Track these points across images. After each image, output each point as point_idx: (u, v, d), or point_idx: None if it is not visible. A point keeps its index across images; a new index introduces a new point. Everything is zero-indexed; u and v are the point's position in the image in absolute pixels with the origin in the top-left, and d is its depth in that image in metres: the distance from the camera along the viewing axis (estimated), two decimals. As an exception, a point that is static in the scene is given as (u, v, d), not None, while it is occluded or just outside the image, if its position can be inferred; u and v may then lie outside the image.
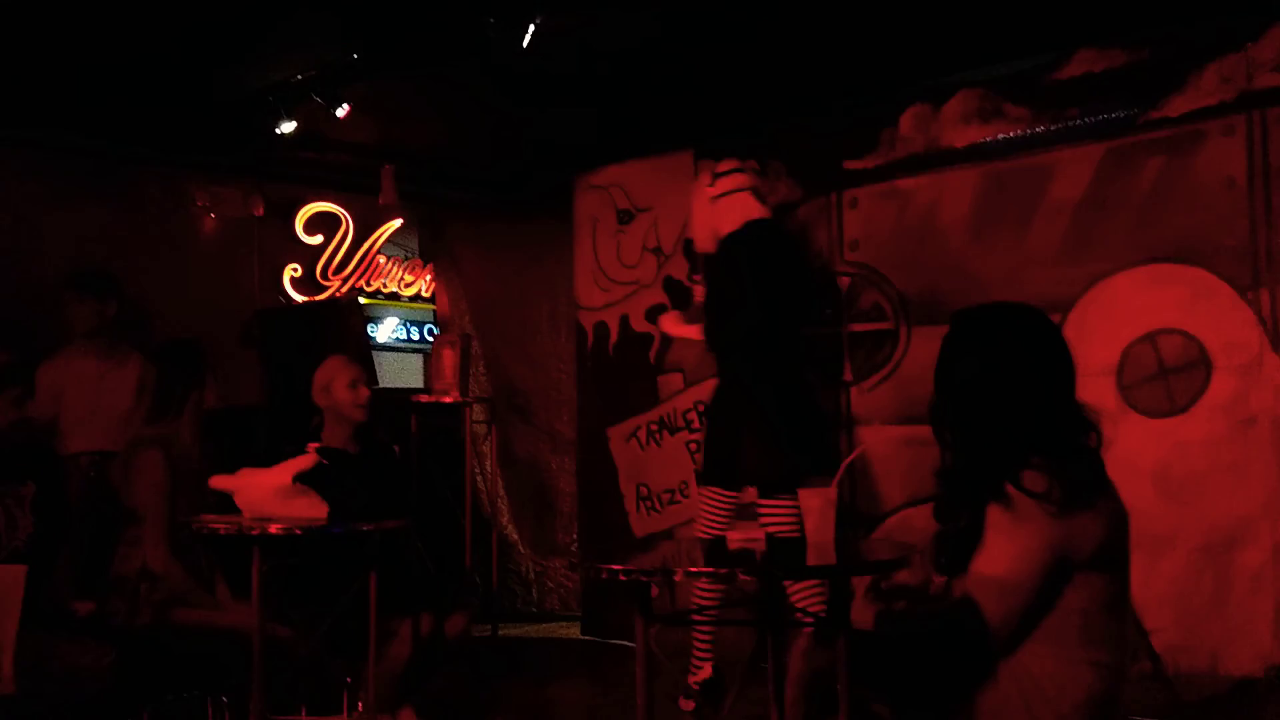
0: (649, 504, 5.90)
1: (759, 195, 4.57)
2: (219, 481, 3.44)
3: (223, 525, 3.25)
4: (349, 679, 3.77)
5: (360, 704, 3.79)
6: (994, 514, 2.32)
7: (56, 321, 5.33)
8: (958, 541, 2.39)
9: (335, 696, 3.86)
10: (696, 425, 5.74)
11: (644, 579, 2.02)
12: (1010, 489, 2.29)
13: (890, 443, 5.01)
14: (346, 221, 6.75)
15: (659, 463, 5.88)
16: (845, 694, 2.10)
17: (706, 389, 5.66)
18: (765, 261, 4.38)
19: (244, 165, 6.27)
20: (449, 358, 5.65)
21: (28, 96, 5.24)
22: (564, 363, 6.62)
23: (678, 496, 5.80)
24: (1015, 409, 2.41)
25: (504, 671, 5.30)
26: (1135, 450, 4.13)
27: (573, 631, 6.16)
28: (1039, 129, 4.63)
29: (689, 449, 5.76)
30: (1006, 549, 2.28)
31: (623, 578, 2.00)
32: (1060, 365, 2.48)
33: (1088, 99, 4.48)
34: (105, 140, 5.77)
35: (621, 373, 6.08)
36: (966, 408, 2.48)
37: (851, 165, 5.17)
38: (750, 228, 4.47)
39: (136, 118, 5.57)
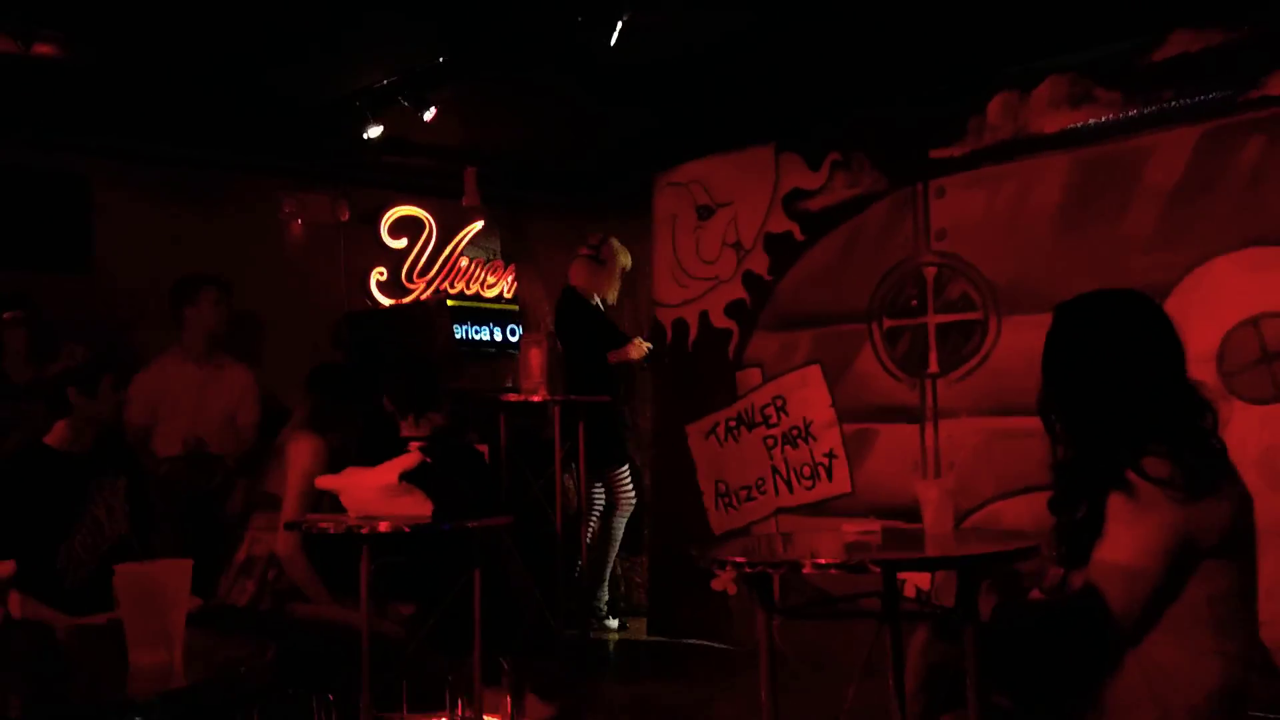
0: (726, 501, 5.88)
1: (581, 265, 6.20)
2: (325, 481, 3.50)
3: (331, 525, 3.30)
4: (451, 676, 3.82)
5: (460, 701, 3.83)
6: (1115, 502, 2.29)
7: (149, 329, 5.46)
8: (1077, 532, 2.36)
9: (437, 693, 3.91)
10: (775, 420, 5.72)
11: (770, 571, 2.02)
12: (1132, 476, 2.26)
13: (979, 435, 4.95)
14: (430, 224, 6.82)
15: (737, 459, 5.86)
16: (974, 687, 2.08)
17: (786, 384, 5.68)
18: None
19: (329, 171, 6.37)
20: (536, 357, 5.67)
21: (123, 106, 5.37)
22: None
23: (754, 493, 5.78)
24: (1130, 395, 2.38)
25: (594, 669, 5.32)
26: (1239, 438, 3.95)
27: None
28: (1132, 113, 4.55)
29: (766, 444, 5.74)
30: (1131, 537, 2.25)
31: (748, 570, 2.00)
32: (1170, 347, 2.45)
33: (1183, 80, 4.39)
34: (196, 148, 5.90)
35: (700, 369, 6.06)
36: (1078, 397, 2.45)
37: (938, 154, 5.11)
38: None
39: (225, 124, 5.69)
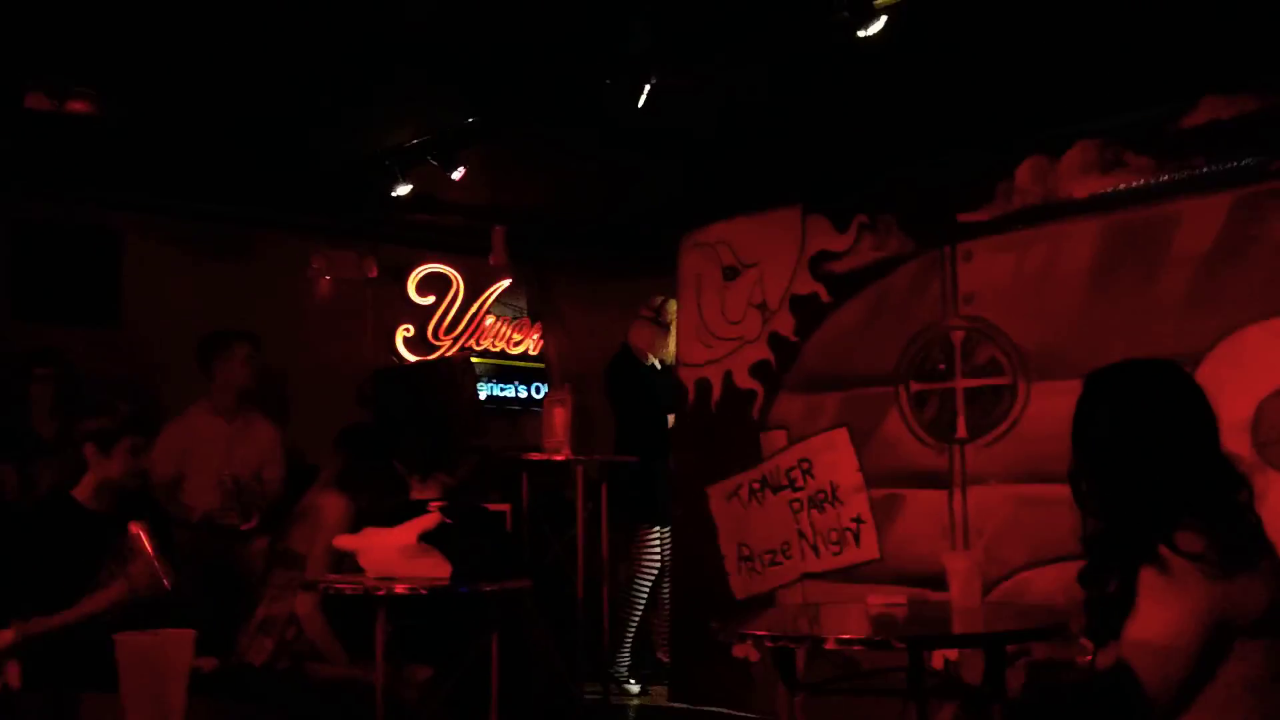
0: (750, 565, 5.80)
1: (641, 327, 6.40)
2: (343, 541, 3.48)
3: (348, 585, 3.27)
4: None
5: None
6: (1147, 577, 2.23)
7: (177, 382, 5.48)
8: (1108, 607, 2.30)
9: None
10: (800, 484, 5.66)
11: (793, 646, 1.97)
12: (1164, 551, 2.20)
13: (1008, 502, 4.87)
14: (457, 282, 6.85)
15: (761, 522, 5.77)
16: (1001, 766, 2.02)
17: (812, 447, 5.62)
18: None
19: (358, 228, 6.41)
20: (559, 415, 5.65)
21: (154, 163, 5.43)
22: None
23: (779, 558, 5.68)
24: (1162, 467, 2.33)
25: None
26: (1276, 512, 3.93)
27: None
28: (1163, 178, 4.52)
29: (792, 508, 5.67)
30: (1163, 614, 2.18)
31: (769, 644, 1.95)
32: (1203, 419, 2.40)
33: (1215, 147, 4.36)
34: (228, 205, 5.96)
35: (723, 429, 6.01)
36: (1109, 469, 2.40)
37: (966, 218, 5.09)
38: None
39: (257, 182, 5.74)
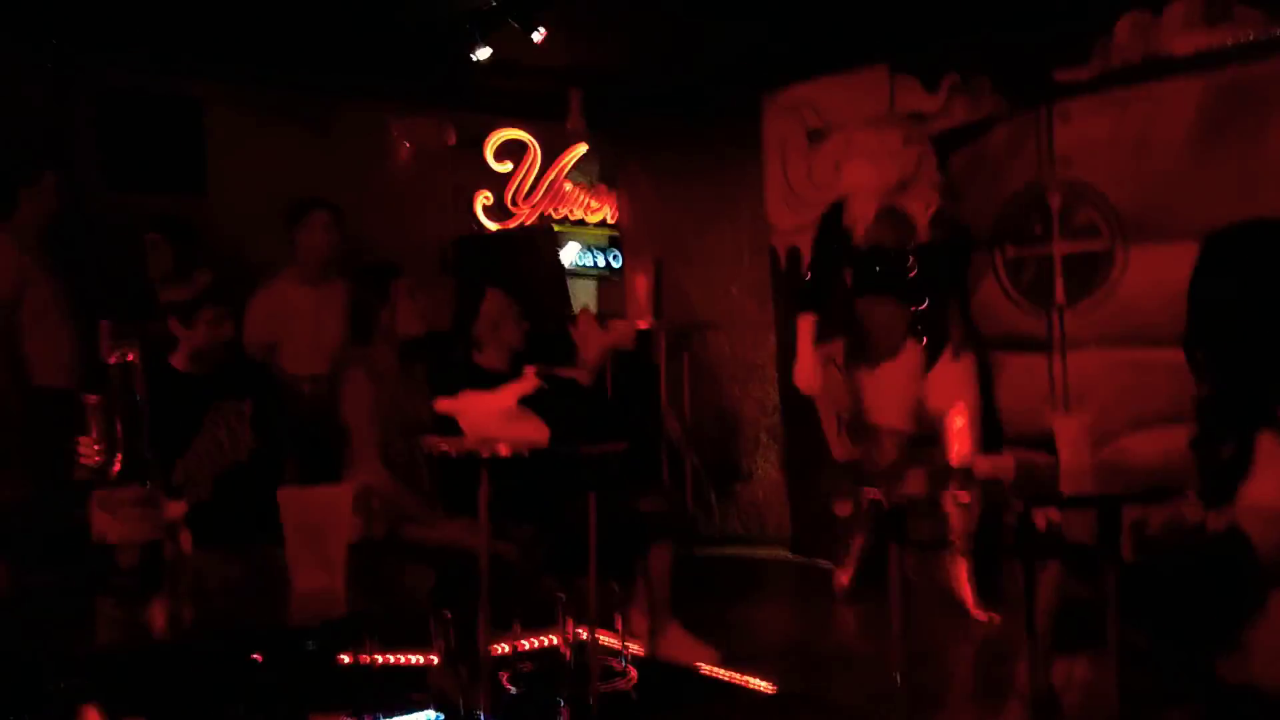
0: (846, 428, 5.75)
1: None
2: (444, 404, 3.52)
3: (452, 447, 3.33)
4: (562, 595, 3.87)
5: (570, 620, 3.89)
6: (1265, 441, 2.21)
7: (263, 251, 5.54)
8: (1223, 471, 2.28)
9: (550, 612, 3.97)
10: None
11: (905, 506, 1.99)
12: (1284, 415, 2.18)
13: (1106, 367, 4.82)
14: (534, 148, 6.80)
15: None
16: (1115, 627, 2.04)
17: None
18: None
19: (435, 95, 6.36)
20: (642, 283, 5.65)
21: (233, 31, 5.40)
22: (748, 286, 6.56)
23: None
24: (1281, 330, 2.28)
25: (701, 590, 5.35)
26: None
27: (757, 551, 6.17)
28: (1275, 32, 4.33)
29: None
30: (1281, 478, 2.17)
31: (886, 506, 1.97)
32: None
33: (1334, -4, 4.16)
34: (306, 71, 5.92)
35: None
36: (1227, 332, 2.36)
37: (1063, 77, 4.93)
38: None
39: (334, 47, 5.69)
